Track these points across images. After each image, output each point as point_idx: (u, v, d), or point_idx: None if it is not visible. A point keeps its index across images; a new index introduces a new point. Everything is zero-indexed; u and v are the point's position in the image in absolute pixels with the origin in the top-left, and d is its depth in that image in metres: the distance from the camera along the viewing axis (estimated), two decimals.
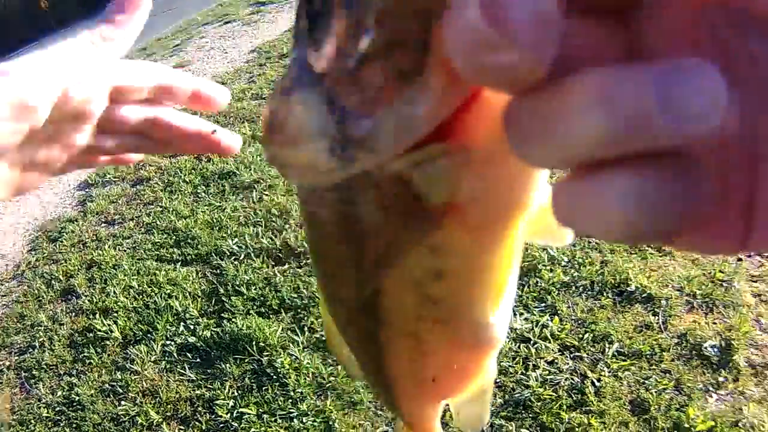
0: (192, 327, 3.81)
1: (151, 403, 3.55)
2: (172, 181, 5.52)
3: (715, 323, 2.70)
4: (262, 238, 4.22)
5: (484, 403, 0.56)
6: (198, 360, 3.67)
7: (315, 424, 2.98)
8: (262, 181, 4.85)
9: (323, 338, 3.30)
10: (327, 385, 3.13)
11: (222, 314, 3.81)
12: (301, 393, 3.15)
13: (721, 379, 2.47)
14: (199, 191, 5.19)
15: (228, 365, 3.50)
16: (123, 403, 3.55)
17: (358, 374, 0.57)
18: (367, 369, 0.52)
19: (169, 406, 3.52)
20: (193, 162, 5.60)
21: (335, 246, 0.38)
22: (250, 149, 5.37)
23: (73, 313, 4.40)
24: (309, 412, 3.05)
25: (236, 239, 4.33)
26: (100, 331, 4.10)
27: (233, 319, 3.71)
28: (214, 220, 4.65)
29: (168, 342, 3.82)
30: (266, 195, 4.63)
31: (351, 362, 0.56)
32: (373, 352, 0.46)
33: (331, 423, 2.94)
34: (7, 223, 6.48)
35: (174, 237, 4.72)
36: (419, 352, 0.44)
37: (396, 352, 0.45)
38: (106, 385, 3.67)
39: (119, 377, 3.70)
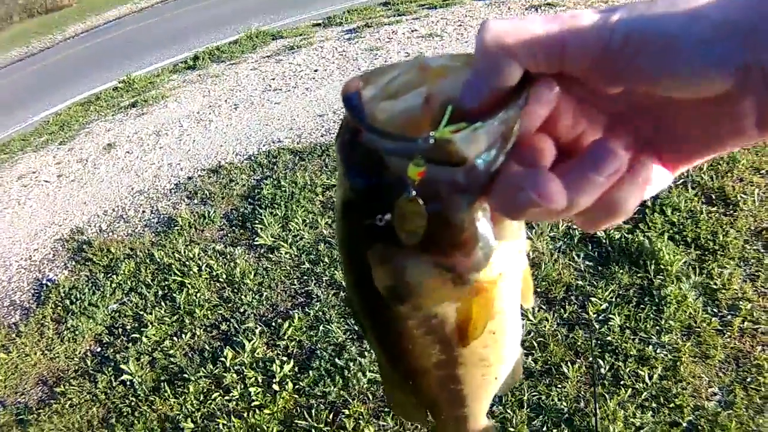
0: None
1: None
2: None
3: None
4: None
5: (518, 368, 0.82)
6: (595, 254, 3.81)
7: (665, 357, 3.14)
8: None
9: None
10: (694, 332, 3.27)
11: (639, 224, 3.92)
12: (670, 326, 3.27)
13: None
14: None
15: (621, 271, 3.62)
16: None
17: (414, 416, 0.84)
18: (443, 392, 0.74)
19: (543, 283, 3.66)
20: None
21: None
22: None
23: None
24: (667, 345, 3.20)
25: None
26: None
27: (646, 232, 3.83)
28: None
29: (574, 226, 3.93)
30: None
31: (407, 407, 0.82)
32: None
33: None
34: None
35: None
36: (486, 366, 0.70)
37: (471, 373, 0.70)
38: None
39: None
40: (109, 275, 5.09)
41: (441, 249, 0.51)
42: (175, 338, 4.21)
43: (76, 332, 4.57)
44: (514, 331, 0.68)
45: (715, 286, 3.46)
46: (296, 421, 3.37)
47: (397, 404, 0.83)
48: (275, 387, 3.57)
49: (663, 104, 0.46)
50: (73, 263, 5.52)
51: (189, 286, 4.61)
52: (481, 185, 0.47)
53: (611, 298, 3.51)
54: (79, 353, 4.42)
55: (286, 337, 3.89)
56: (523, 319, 3.41)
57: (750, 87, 0.39)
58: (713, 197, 4.09)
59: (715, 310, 3.36)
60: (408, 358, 0.65)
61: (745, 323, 3.24)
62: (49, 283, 5.34)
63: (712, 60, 0.39)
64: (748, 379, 3.00)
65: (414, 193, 0.46)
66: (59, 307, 4.95)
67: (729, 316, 3.30)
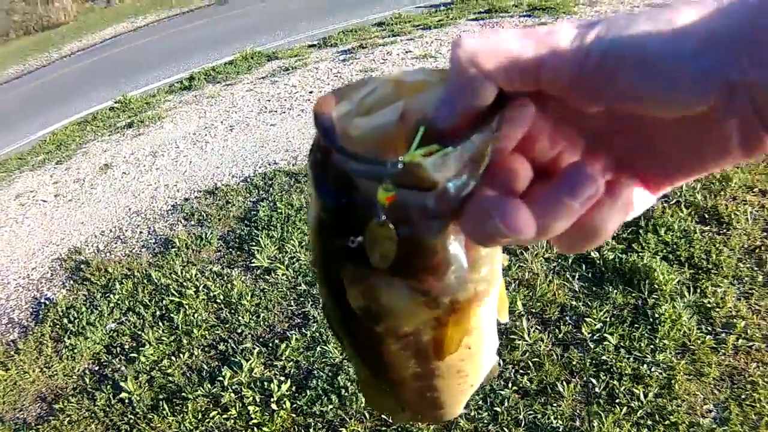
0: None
1: (522, 293, 3.76)
2: None
3: None
4: None
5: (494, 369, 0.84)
6: (589, 275, 3.82)
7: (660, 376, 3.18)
8: None
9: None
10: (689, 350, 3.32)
11: (633, 245, 3.96)
12: (665, 344, 3.30)
13: None
14: None
15: (615, 291, 3.64)
16: None
17: (398, 415, 0.86)
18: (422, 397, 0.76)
19: (538, 304, 3.71)
20: None
21: None
22: None
23: None
24: (662, 364, 3.24)
25: None
26: None
27: (640, 252, 3.86)
28: None
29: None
30: None
31: (389, 407, 0.84)
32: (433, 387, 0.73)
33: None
34: None
35: None
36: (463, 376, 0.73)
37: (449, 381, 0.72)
38: None
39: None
40: (106, 295, 5.12)
41: (413, 272, 0.51)
42: (173, 357, 4.23)
43: (75, 350, 4.59)
44: (491, 345, 0.70)
45: (709, 305, 3.50)
46: None
47: (372, 402, 0.86)
48: (273, 406, 3.59)
49: (644, 123, 0.46)
50: (71, 282, 5.55)
51: (186, 307, 4.64)
52: (452, 210, 0.47)
53: (606, 317, 3.54)
54: (78, 371, 4.45)
55: (283, 358, 3.92)
56: (518, 340, 3.48)
57: (734, 107, 0.39)
58: (706, 216, 4.14)
59: (709, 328, 3.40)
60: (385, 370, 0.66)
61: (740, 341, 3.29)
62: (47, 302, 5.36)
63: (694, 76, 0.39)
64: (743, 396, 3.04)
65: (384, 217, 0.46)
66: (57, 326, 4.98)
67: (723, 334, 3.34)
